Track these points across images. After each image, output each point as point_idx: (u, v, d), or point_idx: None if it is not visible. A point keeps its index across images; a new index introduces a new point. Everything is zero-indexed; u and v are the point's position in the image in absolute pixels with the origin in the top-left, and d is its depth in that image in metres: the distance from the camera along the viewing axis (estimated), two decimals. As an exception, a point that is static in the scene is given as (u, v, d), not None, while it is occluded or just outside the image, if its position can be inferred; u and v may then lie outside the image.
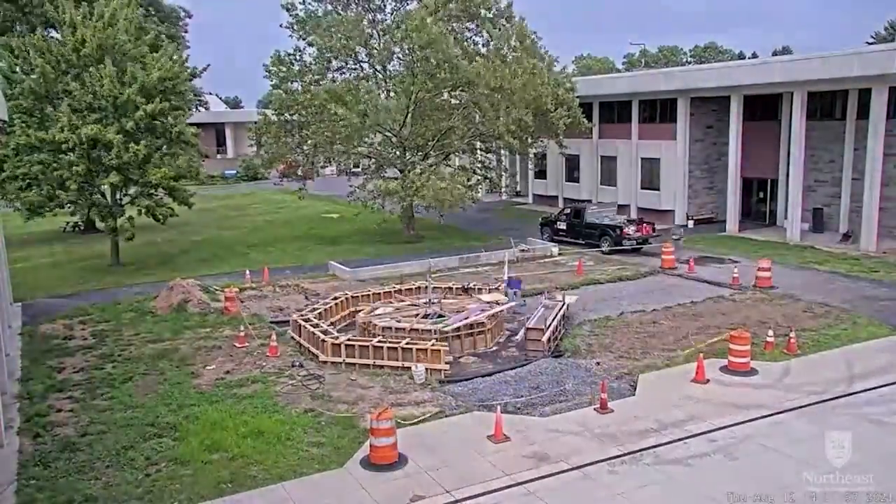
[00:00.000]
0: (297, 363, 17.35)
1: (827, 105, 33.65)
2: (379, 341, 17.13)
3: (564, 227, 32.88)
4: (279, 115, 35.66)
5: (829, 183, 33.40)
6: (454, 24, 34.56)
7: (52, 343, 19.67)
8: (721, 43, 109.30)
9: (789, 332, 17.88)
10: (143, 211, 29.16)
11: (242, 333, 19.21)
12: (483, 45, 35.21)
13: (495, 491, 11.41)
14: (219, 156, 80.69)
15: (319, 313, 19.87)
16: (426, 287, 21.51)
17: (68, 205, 29.13)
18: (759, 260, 24.78)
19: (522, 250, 29.83)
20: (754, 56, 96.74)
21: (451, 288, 22.64)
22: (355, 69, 35.87)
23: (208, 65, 33.99)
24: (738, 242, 32.14)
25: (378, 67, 35.47)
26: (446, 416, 14.19)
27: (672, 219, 37.30)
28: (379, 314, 19.56)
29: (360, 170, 41.36)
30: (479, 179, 39.92)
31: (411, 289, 22.72)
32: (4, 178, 27.99)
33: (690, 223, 36.68)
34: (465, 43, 34.19)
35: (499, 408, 13.73)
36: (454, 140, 35.14)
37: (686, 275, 26.08)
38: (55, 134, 26.31)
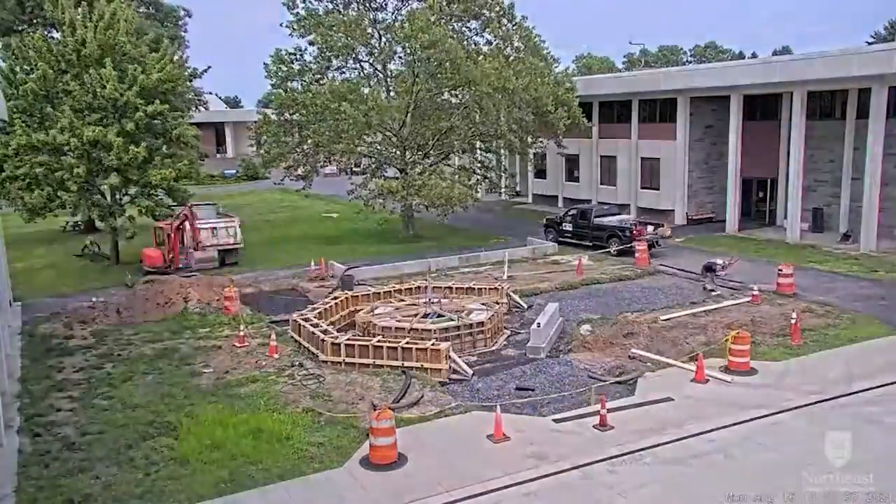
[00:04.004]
0: (297, 363, 17.34)
1: (827, 105, 33.63)
2: (379, 341, 17.13)
3: (570, 229, 32.28)
4: (279, 115, 35.61)
5: (829, 183, 33.38)
6: (455, 24, 34.56)
7: (51, 343, 19.66)
8: (721, 42, 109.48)
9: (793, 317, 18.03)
10: (143, 211, 29.14)
11: (242, 333, 19.20)
12: (485, 45, 35.20)
13: (495, 491, 11.40)
14: (218, 155, 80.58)
15: (319, 313, 19.86)
16: (426, 287, 21.50)
17: (69, 206, 29.13)
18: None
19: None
20: (754, 56, 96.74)
21: (450, 287, 22.63)
22: (356, 68, 35.87)
23: (209, 67, 34.03)
24: (738, 242, 32.10)
25: (378, 67, 35.45)
26: (446, 416, 14.19)
27: (672, 218, 37.26)
28: (379, 314, 19.55)
29: (360, 169, 41.31)
30: (478, 179, 39.93)
31: (411, 288, 22.72)
32: (5, 179, 27.96)
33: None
34: (466, 42, 34.15)
35: (498, 407, 13.72)
36: (454, 139, 35.08)
37: (686, 274, 26.06)
38: (55, 135, 26.28)
